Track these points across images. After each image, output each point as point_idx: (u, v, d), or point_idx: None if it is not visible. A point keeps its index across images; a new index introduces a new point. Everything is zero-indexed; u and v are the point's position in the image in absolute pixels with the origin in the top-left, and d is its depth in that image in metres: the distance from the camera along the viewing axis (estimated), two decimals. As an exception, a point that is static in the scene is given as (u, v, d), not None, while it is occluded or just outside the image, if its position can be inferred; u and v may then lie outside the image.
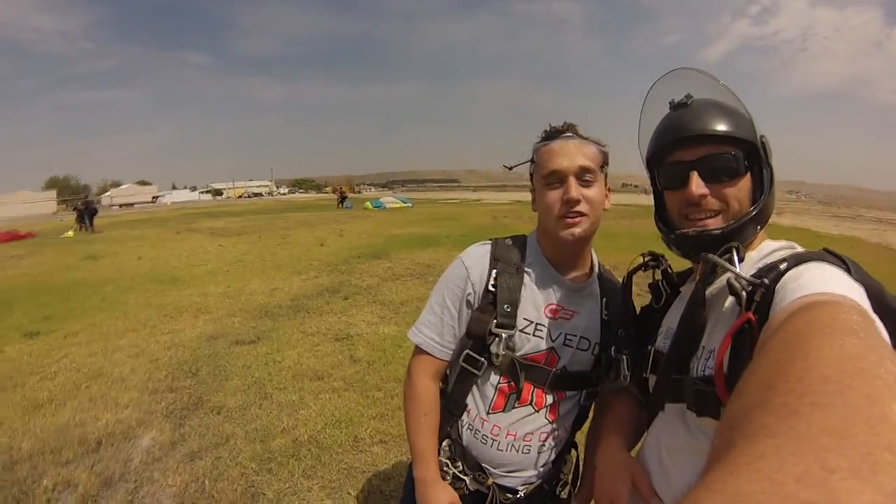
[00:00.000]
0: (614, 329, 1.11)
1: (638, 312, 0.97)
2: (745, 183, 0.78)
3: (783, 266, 0.63)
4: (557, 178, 1.02)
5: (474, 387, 1.12)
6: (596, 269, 1.16)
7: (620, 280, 1.17)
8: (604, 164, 1.06)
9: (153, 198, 76.45)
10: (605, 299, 1.13)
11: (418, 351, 1.16)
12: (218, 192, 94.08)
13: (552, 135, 1.07)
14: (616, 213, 22.99)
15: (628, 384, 1.01)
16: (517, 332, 1.06)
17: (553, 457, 1.17)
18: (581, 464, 1.27)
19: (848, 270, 0.60)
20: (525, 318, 1.07)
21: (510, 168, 1.17)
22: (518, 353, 1.07)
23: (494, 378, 1.10)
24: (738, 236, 0.77)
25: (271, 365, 4.17)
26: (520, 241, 1.15)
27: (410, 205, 31.02)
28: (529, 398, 1.10)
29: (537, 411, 1.11)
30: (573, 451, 1.27)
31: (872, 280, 0.60)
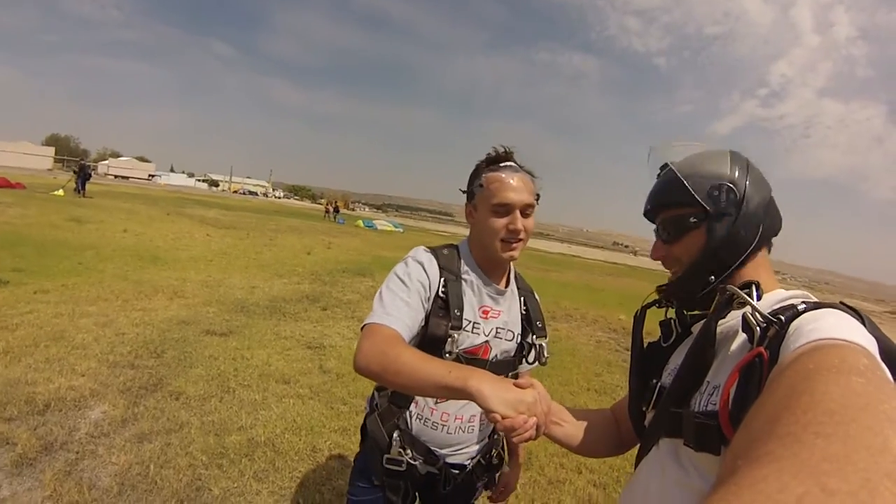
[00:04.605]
0: (532, 320, 1.32)
1: (644, 347, 0.96)
2: (695, 238, 0.83)
3: (801, 307, 0.64)
4: (506, 209, 1.17)
5: None
6: (512, 272, 1.34)
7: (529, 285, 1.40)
8: (538, 196, 1.23)
9: (149, 175, 75.93)
10: (522, 297, 1.34)
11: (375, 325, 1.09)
12: (214, 183, 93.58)
13: (496, 160, 1.22)
14: (602, 270, 23.14)
15: (628, 418, 1.00)
16: (462, 331, 1.20)
17: (489, 431, 1.34)
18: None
19: (863, 323, 0.60)
20: (466, 319, 1.21)
21: (464, 192, 1.28)
22: (460, 348, 1.20)
23: None
24: (687, 285, 0.86)
25: (239, 360, 4.07)
26: (455, 251, 1.29)
27: (401, 230, 31.04)
28: None
29: None
30: None
31: (885, 336, 0.61)
